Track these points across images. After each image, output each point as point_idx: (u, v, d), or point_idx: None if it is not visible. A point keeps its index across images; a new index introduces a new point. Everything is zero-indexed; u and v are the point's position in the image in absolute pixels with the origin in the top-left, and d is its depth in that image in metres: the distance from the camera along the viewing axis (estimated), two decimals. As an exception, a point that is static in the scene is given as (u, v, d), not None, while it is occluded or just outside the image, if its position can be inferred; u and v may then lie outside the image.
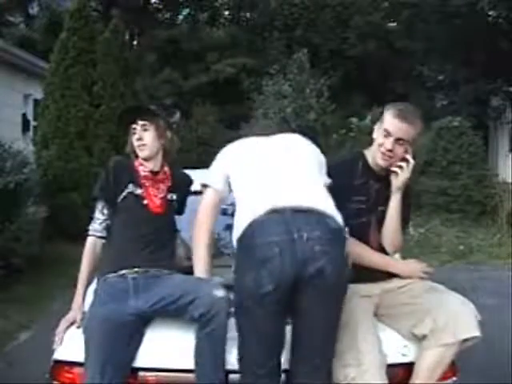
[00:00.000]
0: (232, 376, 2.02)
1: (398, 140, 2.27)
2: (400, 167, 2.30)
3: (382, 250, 2.36)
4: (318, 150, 2.32)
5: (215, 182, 2.27)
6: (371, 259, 2.28)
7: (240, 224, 1.98)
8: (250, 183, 2.14)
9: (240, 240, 1.95)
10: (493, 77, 13.86)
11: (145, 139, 2.43)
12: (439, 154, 10.31)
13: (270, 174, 2.13)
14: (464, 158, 10.25)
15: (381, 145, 2.30)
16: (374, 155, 2.35)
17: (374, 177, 2.37)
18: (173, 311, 2.12)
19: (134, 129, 2.46)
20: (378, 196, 2.36)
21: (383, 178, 2.36)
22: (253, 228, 1.90)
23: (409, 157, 2.31)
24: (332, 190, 2.11)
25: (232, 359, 2.01)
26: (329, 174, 2.28)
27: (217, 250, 2.99)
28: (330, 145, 10.69)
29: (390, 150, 2.28)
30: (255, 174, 2.16)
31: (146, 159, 2.46)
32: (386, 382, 1.97)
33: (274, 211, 1.90)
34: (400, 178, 2.30)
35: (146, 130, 2.44)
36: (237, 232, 1.99)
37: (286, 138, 2.35)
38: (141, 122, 2.44)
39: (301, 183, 2.08)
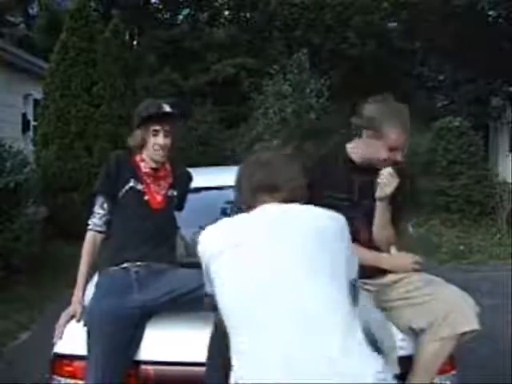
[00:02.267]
0: None
1: (402, 148, 2.26)
2: (385, 183, 2.25)
3: (371, 245, 2.34)
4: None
5: None
6: (362, 257, 2.19)
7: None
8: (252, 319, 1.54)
9: None
10: (493, 77, 13.86)
11: (166, 145, 2.42)
12: (439, 154, 10.31)
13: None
14: (464, 158, 10.25)
15: (385, 160, 2.25)
16: (372, 162, 2.30)
17: (356, 171, 2.34)
18: (186, 302, 2.12)
19: (157, 131, 2.42)
20: (362, 190, 2.34)
21: (367, 170, 2.32)
22: None
23: (391, 171, 2.26)
24: (313, 189, 2.08)
25: None
26: (309, 174, 2.27)
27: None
28: (329, 145, 10.66)
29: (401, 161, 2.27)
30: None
31: (158, 161, 2.46)
32: (398, 370, 1.96)
33: None
34: (384, 190, 2.26)
35: (167, 136, 2.43)
36: None
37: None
38: (166, 128, 2.42)
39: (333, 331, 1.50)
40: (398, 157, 2.26)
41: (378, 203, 2.30)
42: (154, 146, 2.42)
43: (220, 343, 1.86)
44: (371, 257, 2.30)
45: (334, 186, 2.29)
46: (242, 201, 1.80)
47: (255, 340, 1.53)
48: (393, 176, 2.25)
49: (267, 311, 1.53)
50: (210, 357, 1.97)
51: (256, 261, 1.59)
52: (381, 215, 2.31)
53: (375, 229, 2.33)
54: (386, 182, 2.25)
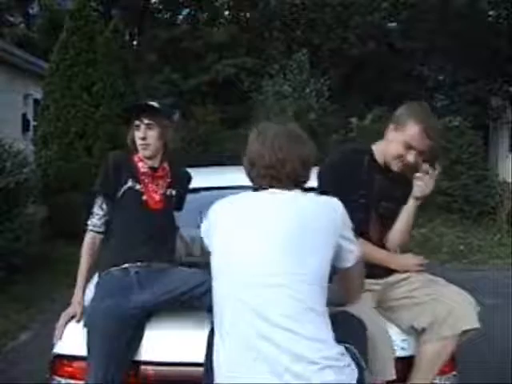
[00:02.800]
0: None
1: (421, 152, 2.27)
2: (422, 179, 2.27)
3: (381, 245, 2.35)
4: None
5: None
6: (370, 254, 2.24)
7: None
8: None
9: None
10: (493, 77, 13.86)
11: (148, 139, 2.42)
12: (439, 153, 10.30)
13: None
14: (464, 157, 10.25)
15: (400, 156, 2.28)
16: (388, 159, 2.33)
17: (379, 172, 2.35)
18: (185, 301, 2.12)
19: (138, 126, 2.44)
20: (381, 191, 2.34)
21: (390, 173, 2.34)
22: None
23: (431, 170, 2.28)
24: (336, 182, 2.09)
25: None
26: (334, 167, 2.29)
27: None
28: (329, 145, 10.68)
29: (414, 163, 2.28)
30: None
31: (146, 157, 2.46)
32: (394, 376, 1.98)
33: None
34: (422, 190, 2.28)
35: (150, 128, 2.43)
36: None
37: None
38: (146, 121, 2.42)
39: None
40: (410, 157, 2.26)
41: (410, 203, 2.31)
42: (139, 141, 2.43)
43: None
44: (380, 255, 2.31)
45: (357, 182, 2.30)
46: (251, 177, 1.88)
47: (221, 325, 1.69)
48: (432, 177, 2.27)
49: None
50: (207, 357, 1.98)
51: (235, 240, 1.73)
52: (409, 216, 2.32)
53: (397, 230, 2.34)
54: (427, 182, 2.27)
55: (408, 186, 2.33)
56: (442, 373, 2.08)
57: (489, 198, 10.04)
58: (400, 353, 2.06)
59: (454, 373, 2.13)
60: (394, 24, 18.37)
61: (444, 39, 13.87)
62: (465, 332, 2.06)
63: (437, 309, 2.09)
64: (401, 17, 16.89)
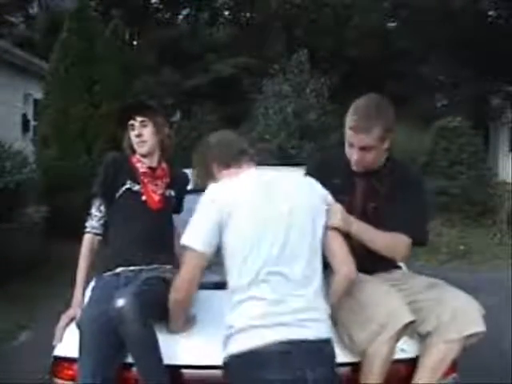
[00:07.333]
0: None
1: (362, 148, 2.18)
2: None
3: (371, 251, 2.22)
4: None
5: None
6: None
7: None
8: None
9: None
10: (493, 77, 13.86)
11: (144, 135, 2.43)
12: (439, 154, 10.30)
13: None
14: (464, 157, 10.24)
15: (350, 154, 2.23)
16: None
17: (359, 174, 2.28)
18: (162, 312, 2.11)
19: (133, 125, 2.44)
20: (365, 193, 2.30)
21: (371, 173, 2.28)
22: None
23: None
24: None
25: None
26: (315, 174, 2.23)
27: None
28: (329, 145, 10.68)
29: (359, 160, 2.21)
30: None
31: (144, 155, 2.46)
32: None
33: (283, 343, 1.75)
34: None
35: (144, 126, 2.43)
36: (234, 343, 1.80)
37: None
38: (139, 119, 2.43)
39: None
40: (354, 155, 2.20)
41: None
42: (135, 139, 2.44)
43: None
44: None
45: (333, 187, 2.17)
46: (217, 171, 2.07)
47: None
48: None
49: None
50: None
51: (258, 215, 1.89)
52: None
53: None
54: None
55: (392, 181, 2.26)
56: (443, 375, 2.06)
57: (489, 198, 10.04)
58: (401, 355, 2.04)
59: (455, 375, 2.11)
60: (393, 24, 18.37)
61: (444, 39, 13.87)
62: (470, 336, 2.04)
63: (441, 312, 2.05)
64: (401, 17, 16.90)
